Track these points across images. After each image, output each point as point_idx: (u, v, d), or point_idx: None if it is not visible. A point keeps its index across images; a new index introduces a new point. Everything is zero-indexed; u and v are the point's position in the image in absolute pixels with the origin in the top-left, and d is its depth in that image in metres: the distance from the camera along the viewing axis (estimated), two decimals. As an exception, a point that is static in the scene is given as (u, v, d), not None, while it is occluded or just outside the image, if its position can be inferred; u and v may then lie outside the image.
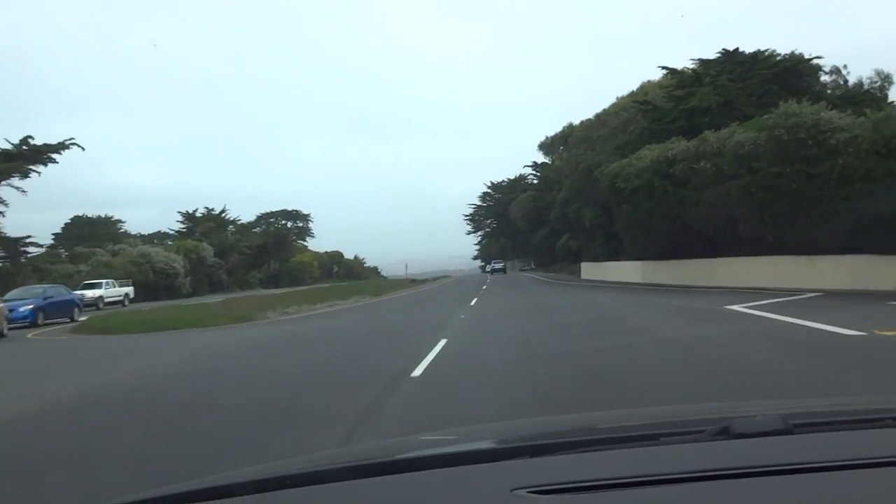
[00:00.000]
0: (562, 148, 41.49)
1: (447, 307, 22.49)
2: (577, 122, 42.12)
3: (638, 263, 28.05)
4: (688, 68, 29.89)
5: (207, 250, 50.20)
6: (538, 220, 69.29)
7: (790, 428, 1.30)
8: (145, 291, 41.95)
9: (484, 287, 35.63)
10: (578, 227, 34.99)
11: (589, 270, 39.51)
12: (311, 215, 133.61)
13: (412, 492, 1.20)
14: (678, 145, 22.38)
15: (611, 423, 1.96)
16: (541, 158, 66.08)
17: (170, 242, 52.68)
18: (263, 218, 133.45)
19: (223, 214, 67.16)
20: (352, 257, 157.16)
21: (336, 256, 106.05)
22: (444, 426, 4.56)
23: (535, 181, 76.99)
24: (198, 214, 65.64)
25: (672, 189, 21.93)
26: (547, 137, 57.68)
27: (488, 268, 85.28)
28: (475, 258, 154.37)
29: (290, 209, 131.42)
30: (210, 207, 66.85)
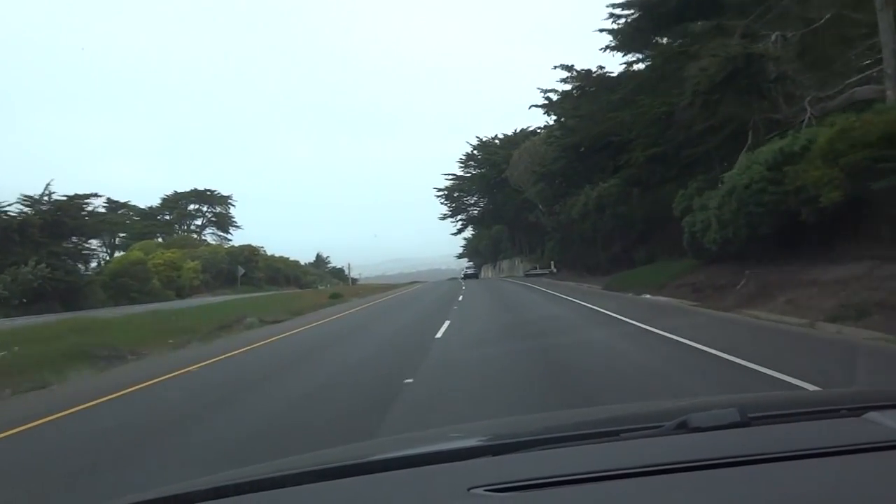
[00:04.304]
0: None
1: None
2: None
3: None
4: None
5: None
6: (571, 175, 34.07)
7: (747, 420, 1.31)
8: None
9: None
10: None
11: None
12: (233, 197, 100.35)
13: (369, 494, 1.20)
14: None
15: (572, 420, 1.92)
16: None
17: None
18: (170, 201, 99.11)
19: None
20: (325, 255, 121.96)
21: (244, 253, 70.15)
22: None
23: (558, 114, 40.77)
24: None
25: None
26: None
27: (462, 272, 69.72)
28: (460, 256, 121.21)
29: (201, 189, 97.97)
30: None
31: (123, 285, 46.53)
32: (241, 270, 65.82)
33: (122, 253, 62.68)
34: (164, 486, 1.45)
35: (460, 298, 22.39)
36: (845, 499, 1.05)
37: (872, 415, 1.34)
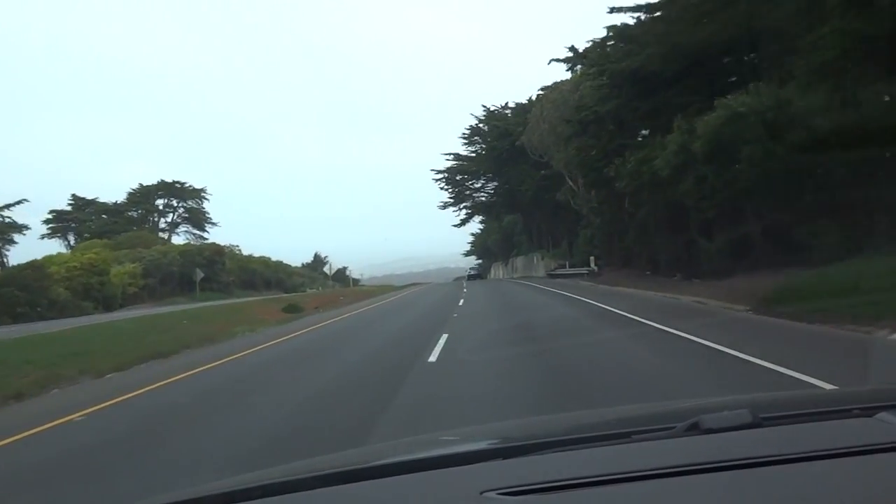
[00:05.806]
0: None
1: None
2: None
3: None
4: None
5: None
6: (630, 120, 21.85)
7: (759, 422, 1.30)
8: None
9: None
10: None
11: None
12: (207, 190, 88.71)
13: (380, 499, 1.19)
14: None
15: (583, 423, 1.87)
16: None
17: None
18: (137, 195, 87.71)
19: None
20: (323, 255, 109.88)
21: (205, 253, 58.02)
22: None
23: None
24: None
25: None
26: None
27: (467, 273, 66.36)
28: (467, 254, 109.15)
29: (170, 181, 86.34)
30: None
31: (8, 297, 34.57)
32: (200, 274, 53.75)
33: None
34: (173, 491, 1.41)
35: (442, 343, 10.14)
36: (858, 500, 1.04)
37: (884, 415, 1.31)
